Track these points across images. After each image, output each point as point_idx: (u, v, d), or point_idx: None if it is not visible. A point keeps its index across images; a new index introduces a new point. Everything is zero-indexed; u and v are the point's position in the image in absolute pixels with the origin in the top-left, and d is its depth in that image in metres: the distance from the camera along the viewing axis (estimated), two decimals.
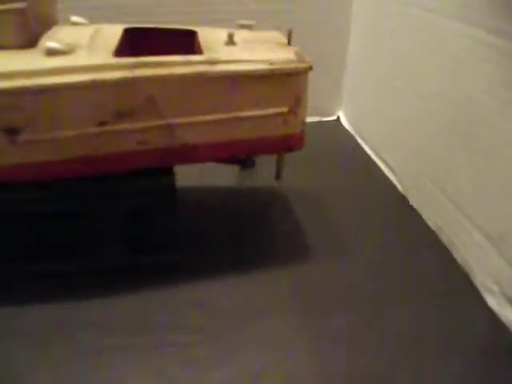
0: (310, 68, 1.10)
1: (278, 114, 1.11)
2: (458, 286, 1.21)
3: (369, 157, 1.80)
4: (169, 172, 1.15)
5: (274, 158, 1.36)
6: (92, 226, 1.16)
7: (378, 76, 1.75)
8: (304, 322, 1.09)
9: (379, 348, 1.04)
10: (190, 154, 1.09)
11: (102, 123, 1.01)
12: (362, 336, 1.06)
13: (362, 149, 1.86)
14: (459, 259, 1.28)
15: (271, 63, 1.07)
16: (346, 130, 2.01)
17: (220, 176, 1.54)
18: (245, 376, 0.97)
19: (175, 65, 1.03)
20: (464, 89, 1.23)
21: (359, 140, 1.91)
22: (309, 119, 1.86)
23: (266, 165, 1.37)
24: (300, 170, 1.61)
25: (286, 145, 1.18)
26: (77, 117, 1.00)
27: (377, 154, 1.77)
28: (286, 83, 1.09)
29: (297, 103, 1.12)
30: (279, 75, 1.07)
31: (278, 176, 1.40)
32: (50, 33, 1.15)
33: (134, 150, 1.06)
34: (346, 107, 2.07)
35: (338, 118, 2.10)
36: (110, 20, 1.29)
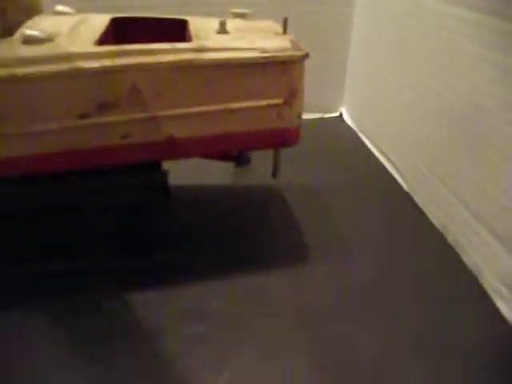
0: (306, 56, 1.04)
1: (271, 106, 1.05)
2: (465, 288, 1.15)
3: (372, 154, 1.75)
4: (157, 168, 1.09)
5: (270, 154, 1.31)
6: (86, 226, 1.12)
7: (380, 72, 1.70)
8: (303, 325, 1.04)
9: (380, 351, 0.99)
10: (178, 148, 1.03)
11: (82, 116, 0.96)
12: (362, 338, 1.01)
13: (364, 146, 1.81)
14: (466, 259, 1.22)
15: (264, 51, 1.01)
16: (349, 127, 1.96)
17: (216, 174, 1.49)
18: (244, 378, 0.93)
19: (160, 53, 0.97)
20: (466, 81, 1.19)
21: (362, 137, 1.86)
22: (311, 116, 1.89)
23: (261, 162, 1.32)
24: (301, 168, 1.57)
25: (281, 139, 1.12)
26: (54, 109, 0.94)
27: (380, 151, 1.71)
28: (280, 72, 1.03)
29: (292, 94, 1.06)
30: (272, 64, 1.01)
31: (274, 174, 1.34)
32: (30, 22, 1.10)
33: (118, 145, 1.00)
34: (348, 103, 2.02)
35: (341, 114, 2.05)
36: (101, 12, 1.24)
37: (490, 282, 1.12)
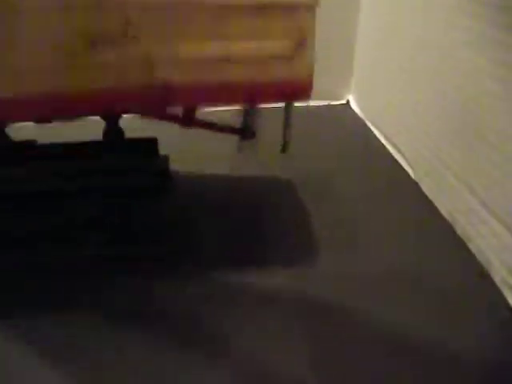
0: (317, 2, 0.98)
1: (280, 55, 0.98)
2: (474, 281, 1.10)
3: (379, 142, 1.69)
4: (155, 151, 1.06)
5: (276, 127, 1.24)
6: (85, 213, 1.09)
7: (388, 60, 1.65)
8: (304, 319, 1.01)
9: (380, 349, 0.94)
10: (174, 94, 0.96)
11: (71, 53, 0.89)
12: (363, 335, 0.97)
13: (371, 134, 1.75)
14: (475, 251, 1.16)
15: None
16: (356, 114, 1.91)
17: (219, 160, 1.43)
18: (242, 376, 0.90)
19: None
20: (471, 64, 1.16)
21: (369, 124, 1.80)
22: (318, 103, 1.83)
23: (268, 136, 1.26)
24: (307, 154, 1.51)
25: (291, 91, 1.05)
26: (40, 45, 0.87)
27: (387, 139, 1.66)
28: (289, 18, 0.96)
29: (302, 43, 0.99)
30: (281, 8, 0.95)
31: (284, 148, 1.27)
32: None
33: (109, 89, 0.93)
34: (355, 91, 1.97)
35: (348, 101, 2.00)
36: None
37: (501, 276, 1.07)
